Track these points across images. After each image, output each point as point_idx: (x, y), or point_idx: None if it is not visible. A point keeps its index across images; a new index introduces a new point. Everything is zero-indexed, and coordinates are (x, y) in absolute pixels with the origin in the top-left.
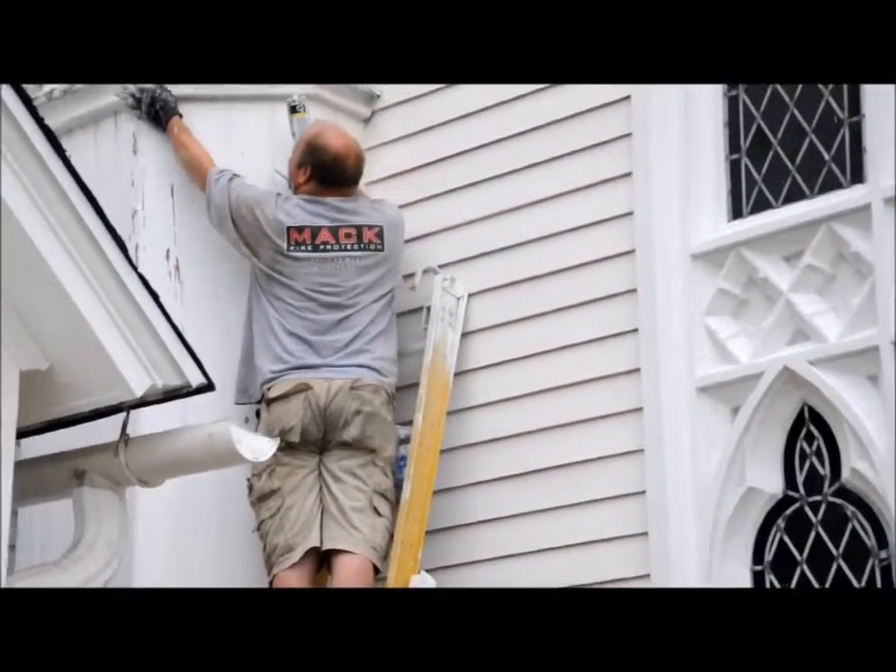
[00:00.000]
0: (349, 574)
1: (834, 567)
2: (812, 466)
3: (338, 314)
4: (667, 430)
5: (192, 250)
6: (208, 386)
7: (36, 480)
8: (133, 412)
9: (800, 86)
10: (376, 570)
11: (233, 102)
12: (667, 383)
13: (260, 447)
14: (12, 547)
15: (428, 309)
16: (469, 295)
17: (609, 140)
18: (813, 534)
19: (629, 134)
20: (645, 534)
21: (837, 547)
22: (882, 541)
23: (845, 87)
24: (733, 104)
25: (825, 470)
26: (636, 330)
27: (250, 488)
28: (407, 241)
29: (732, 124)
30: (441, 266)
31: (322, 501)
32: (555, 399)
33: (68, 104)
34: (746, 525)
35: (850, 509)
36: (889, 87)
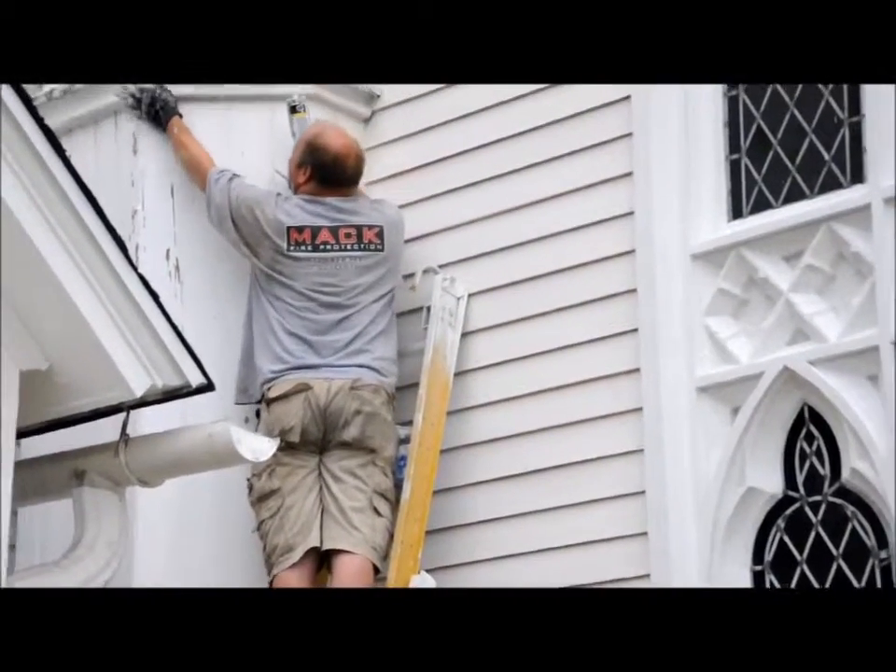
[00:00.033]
0: (349, 574)
1: (834, 567)
2: (812, 466)
3: (338, 314)
4: (667, 430)
5: (192, 250)
6: (208, 386)
7: (36, 480)
8: (132, 412)
9: (800, 86)
10: (376, 570)
11: (233, 102)
12: (667, 383)
13: (260, 447)
14: (12, 547)
15: (428, 309)
16: (469, 295)
17: (609, 140)
18: (813, 534)
19: (629, 134)
20: (645, 534)
21: (837, 547)
22: (882, 541)
23: (845, 87)
24: (733, 104)
25: (825, 470)
26: (636, 330)
27: (250, 488)
28: (407, 241)
29: (732, 124)
30: (441, 266)
31: (322, 501)
32: (555, 399)
33: (68, 104)
34: (746, 525)
35: (850, 509)
36: (889, 87)
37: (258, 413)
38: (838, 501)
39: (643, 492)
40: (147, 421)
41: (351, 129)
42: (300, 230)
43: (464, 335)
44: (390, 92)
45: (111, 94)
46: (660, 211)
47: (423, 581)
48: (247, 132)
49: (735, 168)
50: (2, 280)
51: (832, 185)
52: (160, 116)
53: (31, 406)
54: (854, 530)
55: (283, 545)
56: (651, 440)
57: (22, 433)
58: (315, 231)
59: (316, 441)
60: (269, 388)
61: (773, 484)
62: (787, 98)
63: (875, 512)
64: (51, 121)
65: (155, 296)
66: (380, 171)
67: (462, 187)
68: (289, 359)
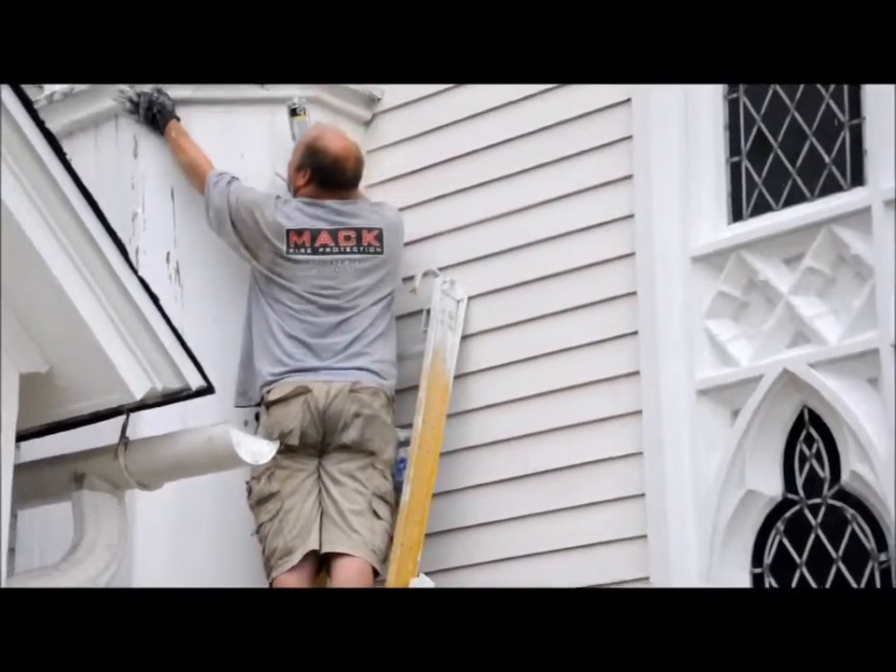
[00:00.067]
0: (348, 577)
1: (834, 569)
2: (812, 468)
3: (337, 316)
4: (667, 433)
5: (192, 253)
6: (208, 389)
7: (36, 483)
8: (132, 414)
9: (800, 88)
10: (375, 573)
11: (233, 104)
12: (667, 385)
13: (260, 450)
14: (12, 550)
15: (428, 312)
16: (469, 298)
17: (609, 143)
18: (812, 536)
19: (629, 137)
20: (645, 536)
21: (837, 550)
22: (881, 544)
23: (845, 89)
24: (733, 106)
25: (825, 473)
26: (635, 333)
27: (249, 491)
28: (407, 244)
29: (732, 127)
30: (440, 269)
31: (321, 504)
32: (555, 402)
33: (69, 107)
34: (745, 527)
35: (850, 511)
36: (889, 88)
37: (257, 416)
38: (838, 504)
39: (643, 494)
40: (146, 424)
41: (351, 132)
42: (299, 232)
43: (464, 338)
44: (390, 95)
45: (111, 98)
46: (660, 213)
47: (422, 583)
48: (247, 134)
49: (735, 170)
50: (2, 282)
51: (832, 187)
52: (157, 119)
53: (31, 409)
54: (854, 533)
55: (282, 548)
56: (650, 442)
57: (22, 436)
58: (315, 233)
59: (316, 443)
60: (268, 391)
61: (772, 487)
62: (787, 100)
63: (874, 515)
64: (52, 124)
65: (155, 299)
66: (380, 174)
67: (461, 190)
68: (289, 362)
